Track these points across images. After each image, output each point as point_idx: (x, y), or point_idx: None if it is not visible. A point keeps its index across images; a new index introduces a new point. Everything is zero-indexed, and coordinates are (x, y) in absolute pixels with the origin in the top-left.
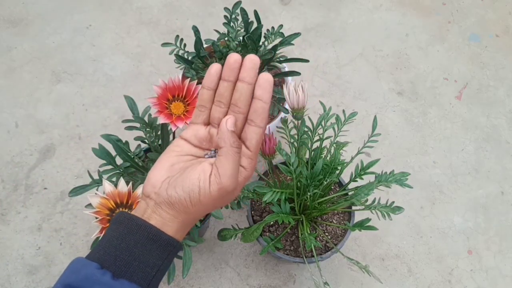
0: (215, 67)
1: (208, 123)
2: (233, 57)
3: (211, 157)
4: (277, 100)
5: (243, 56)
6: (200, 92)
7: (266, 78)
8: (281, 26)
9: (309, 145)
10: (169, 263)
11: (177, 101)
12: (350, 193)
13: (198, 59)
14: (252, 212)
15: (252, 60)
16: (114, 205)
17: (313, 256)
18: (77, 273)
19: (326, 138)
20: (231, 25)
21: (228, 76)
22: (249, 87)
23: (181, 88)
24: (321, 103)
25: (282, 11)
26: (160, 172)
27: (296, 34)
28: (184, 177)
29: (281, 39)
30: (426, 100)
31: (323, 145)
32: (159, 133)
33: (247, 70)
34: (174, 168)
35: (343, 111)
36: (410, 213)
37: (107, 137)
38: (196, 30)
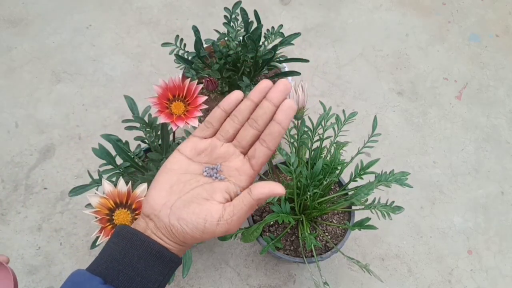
0: (237, 94)
1: (212, 136)
2: (265, 83)
3: (210, 175)
4: None
5: (243, 56)
6: (214, 110)
7: (290, 105)
8: (281, 26)
9: (309, 145)
10: (169, 278)
11: (178, 101)
12: (350, 193)
13: (198, 59)
14: (252, 212)
15: (286, 84)
16: (114, 205)
17: (313, 256)
18: (80, 287)
19: (326, 138)
20: (231, 25)
21: (254, 96)
22: (273, 108)
23: (182, 88)
24: (321, 103)
25: (282, 11)
26: (159, 193)
27: (296, 34)
28: (190, 212)
29: (281, 39)
30: (426, 100)
31: (323, 145)
32: (159, 133)
33: (277, 91)
34: (174, 190)
35: (343, 111)
36: (410, 213)
37: (107, 137)
38: (196, 30)
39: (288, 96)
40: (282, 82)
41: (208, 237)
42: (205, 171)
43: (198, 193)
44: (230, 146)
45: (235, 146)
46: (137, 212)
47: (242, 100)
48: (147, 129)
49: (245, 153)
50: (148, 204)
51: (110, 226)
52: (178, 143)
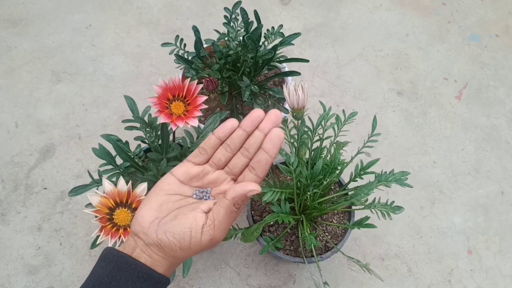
0: (232, 123)
1: (202, 164)
2: (257, 113)
3: (199, 198)
4: (277, 100)
5: (243, 56)
6: (209, 137)
7: (278, 133)
8: (281, 26)
9: (309, 145)
10: None
11: (178, 100)
12: (350, 193)
13: (198, 59)
14: (252, 212)
15: (277, 115)
16: (114, 204)
17: (313, 256)
18: None
19: (326, 138)
20: (231, 25)
21: (246, 126)
22: (264, 138)
23: (182, 88)
24: (321, 103)
25: (282, 11)
26: (148, 212)
27: (296, 34)
28: (176, 224)
29: (281, 39)
30: (426, 100)
31: (323, 145)
32: (159, 133)
33: (269, 122)
34: (163, 208)
35: (343, 111)
36: (410, 213)
37: (107, 137)
38: (196, 30)
39: (288, 96)
40: (273, 113)
41: (196, 248)
42: (195, 194)
43: (185, 207)
44: (221, 172)
45: (226, 173)
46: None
47: (236, 128)
48: (147, 129)
49: (235, 180)
50: (137, 222)
51: (110, 225)
52: (178, 143)
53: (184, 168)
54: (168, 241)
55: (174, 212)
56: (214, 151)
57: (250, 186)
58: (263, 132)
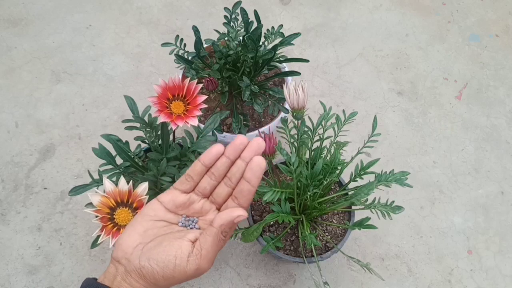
0: (217, 148)
1: (188, 192)
2: (241, 140)
3: (185, 226)
4: (277, 100)
5: (243, 56)
6: (194, 163)
7: (259, 163)
8: (281, 26)
9: (309, 145)
10: None
11: (177, 100)
12: (350, 193)
13: (198, 59)
14: (252, 212)
15: (259, 143)
16: (115, 204)
17: (313, 256)
18: None
19: (326, 138)
20: (231, 25)
21: (230, 154)
22: (246, 167)
23: (181, 87)
24: (321, 103)
25: (282, 11)
26: (132, 237)
27: (296, 34)
28: (160, 251)
29: (281, 39)
30: (426, 100)
31: (323, 145)
32: (159, 133)
33: (250, 151)
34: (147, 234)
35: (343, 111)
36: (410, 213)
37: (107, 137)
38: (196, 30)
39: (288, 96)
40: (256, 141)
41: (180, 277)
42: (181, 222)
43: (170, 234)
44: (206, 202)
45: (211, 202)
46: (137, 211)
47: (221, 154)
48: (147, 129)
49: (219, 209)
50: (119, 248)
51: (111, 224)
52: (178, 143)
53: (170, 196)
54: (150, 269)
55: (159, 239)
56: (200, 178)
57: (237, 212)
58: (245, 161)
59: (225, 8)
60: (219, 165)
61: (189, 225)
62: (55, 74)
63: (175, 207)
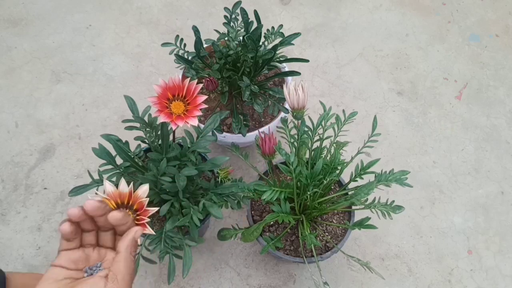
0: (73, 213)
1: (79, 247)
2: (90, 205)
3: (91, 274)
4: (277, 100)
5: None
6: (63, 228)
7: (112, 214)
8: (281, 26)
9: (309, 145)
10: None
11: (177, 100)
12: (350, 193)
13: (198, 59)
14: (252, 212)
15: (91, 204)
16: (115, 206)
17: (313, 256)
18: None
19: (326, 138)
20: (231, 25)
21: (75, 217)
22: (101, 218)
23: (181, 87)
24: (321, 103)
25: (282, 11)
26: None
27: (296, 34)
28: None
29: (281, 39)
30: (426, 100)
31: (323, 145)
32: (159, 133)
33: (92, 212)
34: None
35: (343, 111)
36: (410, 213)
37: (107, 137)
38: (196, 30)
39: (288, 96)
40: (86, 204)
41: None
42: (86, 272)
43: (81, 279)
44: (101, 249)
45: (105, 248)
46: (138, 213)
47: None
48: (147, 129)
49: (114, 248)
50: None
51: None
52: (178, 143)
53: (64, 257)
54: None
55: (71, 284)
56: (78, 234)
57: (133, 229)
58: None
59: (225, 8)
60: (85, 223)
61: (95, 271)
62: (55, 74)
63: (74, 264)
